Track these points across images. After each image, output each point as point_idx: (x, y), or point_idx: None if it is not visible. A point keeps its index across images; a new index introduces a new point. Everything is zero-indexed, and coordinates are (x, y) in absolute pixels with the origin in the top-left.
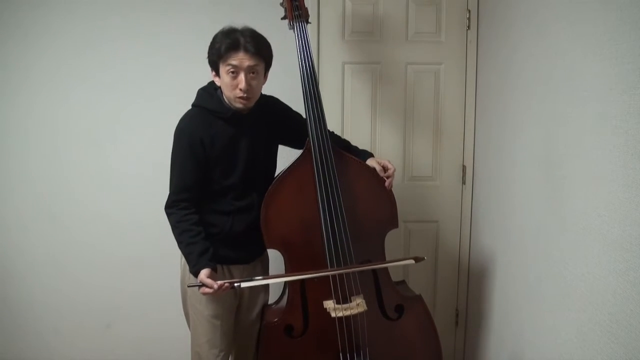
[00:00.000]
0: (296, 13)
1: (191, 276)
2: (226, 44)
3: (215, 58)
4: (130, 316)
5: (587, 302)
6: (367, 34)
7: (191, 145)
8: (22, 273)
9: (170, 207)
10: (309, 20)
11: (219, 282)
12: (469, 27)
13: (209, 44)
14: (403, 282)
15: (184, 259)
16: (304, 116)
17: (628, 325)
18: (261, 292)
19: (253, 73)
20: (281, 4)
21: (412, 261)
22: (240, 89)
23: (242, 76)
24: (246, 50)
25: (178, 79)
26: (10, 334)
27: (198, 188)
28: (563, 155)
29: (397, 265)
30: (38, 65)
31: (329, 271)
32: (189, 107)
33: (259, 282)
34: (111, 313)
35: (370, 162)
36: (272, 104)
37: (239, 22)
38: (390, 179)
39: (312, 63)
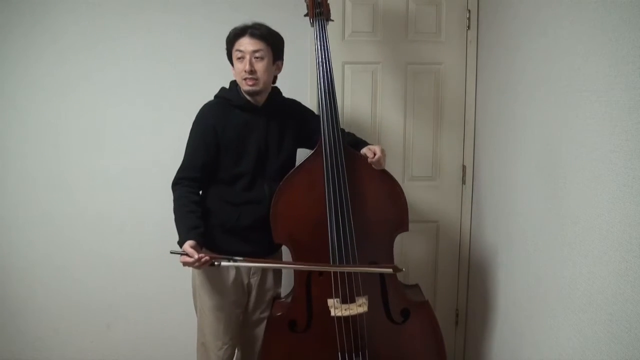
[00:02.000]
0: (317, 10)
1: (199, 271)
2: (234, 32)
3: (228, 47)
4: (130, 316)
5: (588, 302)
6: (367, 33)
7: (204, 132)
8: (21, 273)
9: (176, 184)
10: (331, 18)
11: (200, 255)
12: (469, 27)
13: (208, 44)
14: (415, 285)
15: None
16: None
17: (628, 325)
18: (270, 289)
19: (258, 57)
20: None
21: (390, 270)
22: (245, 71)
23: (247, 59)
24: (251, 35)
25: (178, 79)
26: (10, 334)
27: (205, 171)
28: (563, 155)
29: (373, 271)
30: (37, 65)
31: (320, 266)
32: (189, 107)
33: (239, 263)
34: (111, 313)
35: (363, 151)
36: (292, 105)
37: (238, 22)
38: (375, 159)
39: (330, 62)
